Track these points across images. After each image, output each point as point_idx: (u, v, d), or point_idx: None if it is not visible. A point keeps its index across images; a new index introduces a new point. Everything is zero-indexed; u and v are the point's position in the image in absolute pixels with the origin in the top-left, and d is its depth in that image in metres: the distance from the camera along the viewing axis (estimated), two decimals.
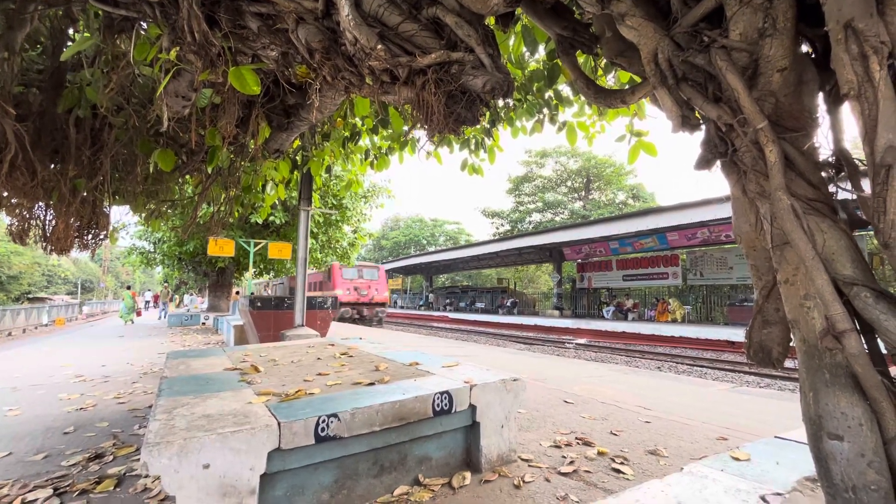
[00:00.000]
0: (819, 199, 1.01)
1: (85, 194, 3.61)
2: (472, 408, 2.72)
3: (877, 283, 0.95)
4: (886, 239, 0.83)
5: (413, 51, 1.52)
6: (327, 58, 1.60)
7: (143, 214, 4.51)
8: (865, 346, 0.94)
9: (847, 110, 1.12)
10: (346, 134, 4.52)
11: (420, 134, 4.36)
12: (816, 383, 0.99)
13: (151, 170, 3.08)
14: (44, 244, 3.70)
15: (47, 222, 3.79)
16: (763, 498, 1.87)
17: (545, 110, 3.97)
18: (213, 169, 3.72)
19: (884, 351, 0.97)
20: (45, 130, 3.15)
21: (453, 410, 2.62)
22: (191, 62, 1.78)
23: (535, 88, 3.80)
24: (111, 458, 3.08)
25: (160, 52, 1.85)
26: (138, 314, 21.80)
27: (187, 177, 4.54)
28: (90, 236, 3.95)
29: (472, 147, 4.48)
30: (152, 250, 17.15)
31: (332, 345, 4.77)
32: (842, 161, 1.09)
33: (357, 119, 4.38)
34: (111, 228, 4.15)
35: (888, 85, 0.80)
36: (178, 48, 1.77)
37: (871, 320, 0.91)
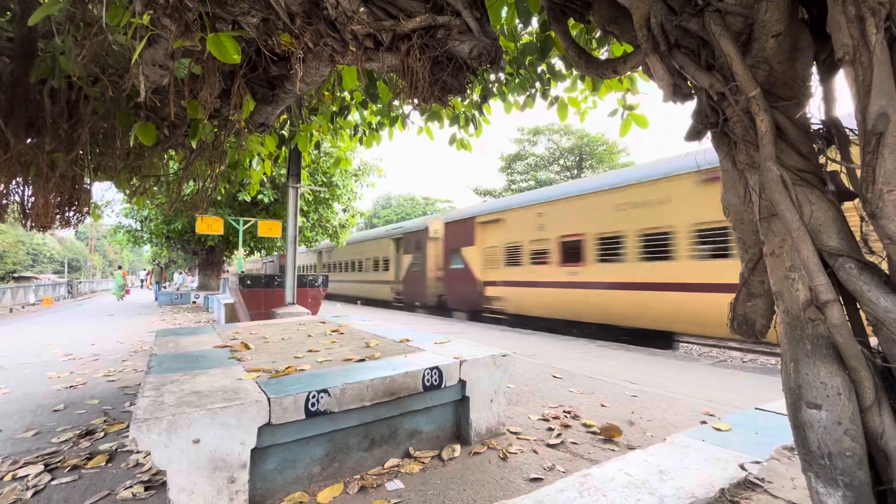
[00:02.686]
0: (808, 170, 1.00)
1: (65, 169, 3.49)
2: (462, 383, 2.75)
3: (861, 254, 0.95)
4: (874, 209, 0.83)
5: (397, 14, 1.45)
6: (308, 23, 1.52)
7: (128, 191, 4.40)
8: (847, 317, 0.94)
9: (840, 80, 1.10)
10: (335, 108, 4.41)
11: (410, 109, 4.26)
12: (798, 354, 1.01)
13: (132, 144, 2.97)
14: (23, 221, 3.60)
15: (26, 198, 3.68)
16: (742, 466, 1.94)
17: (537, 84, 3.89)
18: (197, 143, 3.61)
19: (865, 321, 0.98)
20: (17, 102, 3.02)
21: (443, 385, 2.65)
22: (165, 27, 1.70)
23: (527, 62, 3.71)
24: (102, 434, 3.09)
25: (133, 17, 1.76)
26: (126, 293, 21.26)
27: (171, 152, 4.42)
28: (72, 212, 3.85)
29: (462, 123, 4.40)
30: (139, 228, 16.86)
31: (324, 322, 4.78)
32: (832, 132, 1.08)
33: (346, 93, 4.27)
34: (93, 205, 4.05)
35: (884, 49, 0.78)
36: (151, 12, 1.68)
37: (855, 291, 0.92)
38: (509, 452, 2.66)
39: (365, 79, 3.50)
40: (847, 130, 1.06)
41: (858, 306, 0.95)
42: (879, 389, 0.94)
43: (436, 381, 2.62)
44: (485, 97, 4.15)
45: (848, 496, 0.94)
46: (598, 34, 3.23)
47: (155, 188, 4.79)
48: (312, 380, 2.37)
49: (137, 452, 2.72)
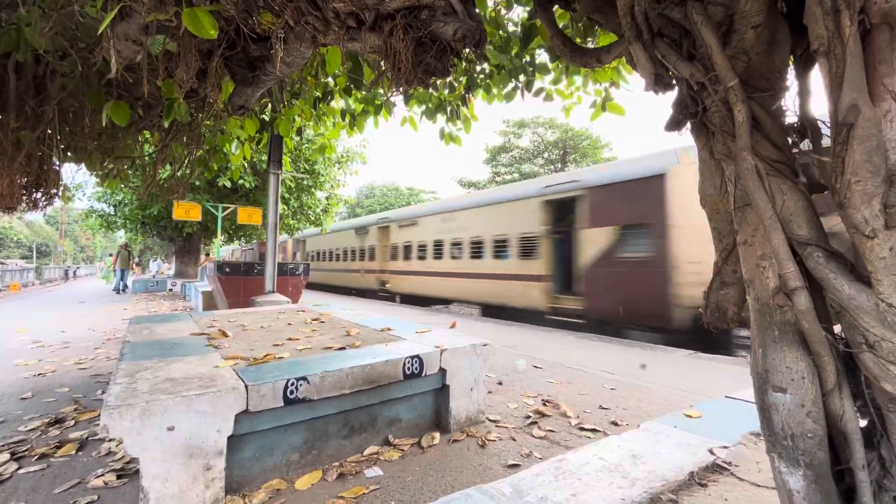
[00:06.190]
0: (782, 161, 1.02)
1: (31, 148, 3.33)
2: (443, 371, 2.76)
3: (829, 243, 0.98)
4: (841, 199, 0.86)
5: None
6: None
7: (100, 173, 4.23)
8: (813, 304, 0.98)
9: (815, 76, 1.13)
10: (318, 94, 4.31)
11: (395, 97, 4.21)
12: (766, 340, 1.04)
13: (104, 124, 2.85)
14: None
15: None
16: (711, 450, 2.01)
17: (522, 77, 3.89)
18: (173, 125, 3.49)
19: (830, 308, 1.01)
20: None
21: (424, 374, 2.66)
22: None
23: (513, 53, 3.70)
24: (72, 422, 3.01)
25: None
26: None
27: (146, 133, 4.27)
28: (40, 194, 3.69)
29: (449, 114, 4.37)
30: (113, 213, 16.29)
31: (304, 311, 4.73)
32: (806, 125, 1.11)
33: (329, 79, 4.18)
34: (63, 187, 3.89)
35: (857, 42, 0.80)
36: None
37: (821, 279, 0.95)
38: (488, 440, 2.69)
39: (349, 62, 3.44)
40: (820, 124, 1.09)
41: (824, 294, 0.99)
42: (840, 374, 0.98)
43: (416, 369, 2.63)
44: (469, 88, 4.13)
45: (808, 475, 0.98)
46: (584, 25, 3.23)
47: (129, 171, 4.63)
48: (291, 367, 2.34)
49: (109, 440, 2.65)
